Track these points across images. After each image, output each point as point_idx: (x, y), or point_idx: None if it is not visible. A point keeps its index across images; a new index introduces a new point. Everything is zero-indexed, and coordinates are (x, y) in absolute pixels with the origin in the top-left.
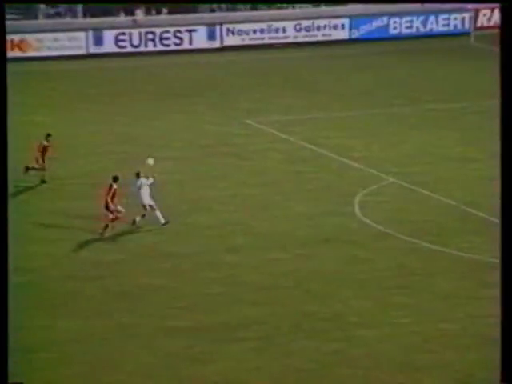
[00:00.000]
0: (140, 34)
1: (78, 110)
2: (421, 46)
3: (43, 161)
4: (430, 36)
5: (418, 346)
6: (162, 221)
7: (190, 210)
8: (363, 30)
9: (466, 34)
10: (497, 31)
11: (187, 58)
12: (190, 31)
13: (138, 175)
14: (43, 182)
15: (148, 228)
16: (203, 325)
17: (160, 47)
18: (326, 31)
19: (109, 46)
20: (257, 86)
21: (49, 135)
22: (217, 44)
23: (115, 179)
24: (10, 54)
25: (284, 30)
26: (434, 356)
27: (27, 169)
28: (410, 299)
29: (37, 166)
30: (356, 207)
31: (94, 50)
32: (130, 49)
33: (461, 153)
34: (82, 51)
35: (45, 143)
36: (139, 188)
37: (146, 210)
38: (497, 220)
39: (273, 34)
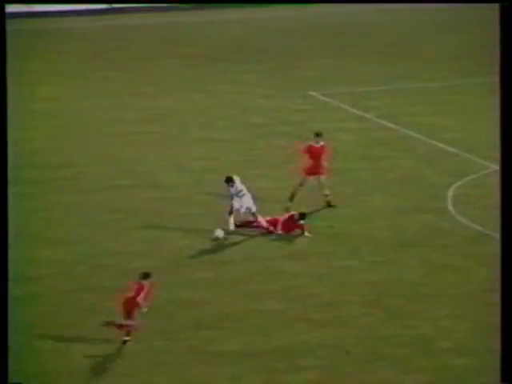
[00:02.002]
0: None
1: (94, 79)
2: None
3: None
4: None
5: None
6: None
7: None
8: None
9: None
10: None
11: (228, 14)
12: None
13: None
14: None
15: (183, 229)
16: (254, 350)
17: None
18: None
19: None
20: (322, 48)
21: (318, 135)
22: None
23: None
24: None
25: None
26: None
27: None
28: None
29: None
30: (449, 202)
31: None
32: (157, 2)
33: None
34: (99, 5)
35: (314, 145)
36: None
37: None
38: None
39: None
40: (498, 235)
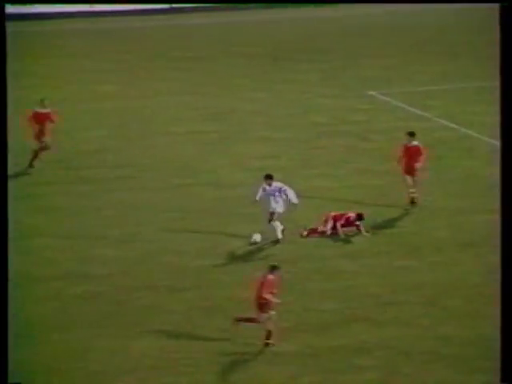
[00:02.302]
0: None
1: (154, 78)
2: None
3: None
4: None
5: None
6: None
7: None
8: None
9: None
10: None
11: (290, 12)
12: None
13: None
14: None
15: (242, 228)
16: (313, 349)
17: None
18: None
19: None
20: (382, 47)
21: (411, 134)
22: None
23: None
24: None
25: None
26: None
27: None
28: None
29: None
30: None
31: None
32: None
33: None
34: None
35: (408, 144)
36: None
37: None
38: None
39: None
40: None
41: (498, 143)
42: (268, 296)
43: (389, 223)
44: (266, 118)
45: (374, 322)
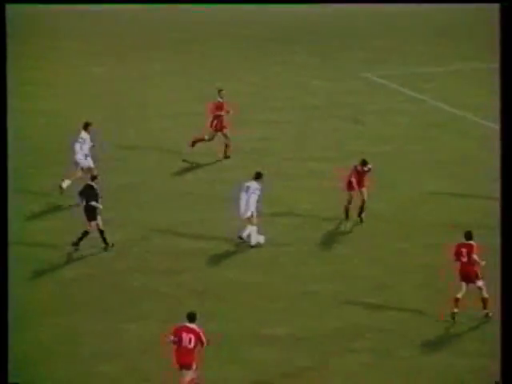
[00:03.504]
0: None
1: (146, 60)
2: None
3: None
4: None
5: None
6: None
7: (291, 186)
8: None
9: None
10: None
11: None
12: None
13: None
14: None
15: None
16: (305, 333)
17: None
18: None
19: None
20: (377, 30)
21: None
22: None
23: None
24: None
25: None
26: None
27: None
28: None
29: None
30: None
31: None
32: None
33: None
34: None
35: None
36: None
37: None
38: None
39: None
40: None
41: (492, 125)
42: (479, 260)
43: (381, 206)
44: (261, 101)
45: (367, 305)
